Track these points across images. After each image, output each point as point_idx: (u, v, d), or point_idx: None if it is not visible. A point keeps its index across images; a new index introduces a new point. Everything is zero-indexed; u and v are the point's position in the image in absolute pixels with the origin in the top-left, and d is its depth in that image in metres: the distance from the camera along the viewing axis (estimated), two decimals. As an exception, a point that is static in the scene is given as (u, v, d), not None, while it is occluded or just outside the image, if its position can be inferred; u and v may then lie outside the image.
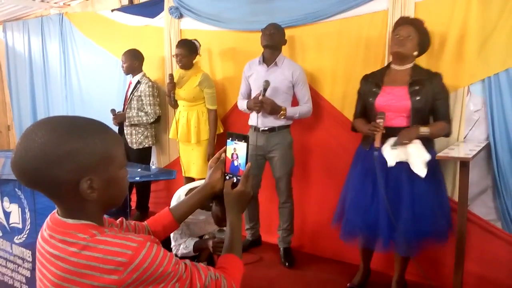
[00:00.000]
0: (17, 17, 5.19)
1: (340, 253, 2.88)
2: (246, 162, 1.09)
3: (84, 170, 0.80)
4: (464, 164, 2.07)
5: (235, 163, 1.11)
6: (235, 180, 1.10)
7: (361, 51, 2.74)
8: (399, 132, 2.19)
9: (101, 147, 0.83)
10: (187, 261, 0.92)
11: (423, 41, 2.29)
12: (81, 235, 0.81)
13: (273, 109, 2.71)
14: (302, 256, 3.02)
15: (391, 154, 2.19)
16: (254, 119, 2.82)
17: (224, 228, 1.90)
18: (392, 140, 2.20)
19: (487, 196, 2.42)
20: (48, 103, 5.01)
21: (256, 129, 2.84)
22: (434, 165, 2.21)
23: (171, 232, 1.20)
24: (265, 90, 2.68)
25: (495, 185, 2.35)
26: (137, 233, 1.10)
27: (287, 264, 2.90)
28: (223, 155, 1.14)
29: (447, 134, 2.30)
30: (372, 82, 2.36)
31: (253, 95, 2.87)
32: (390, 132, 2.22)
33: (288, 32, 2.95)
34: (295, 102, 2.88)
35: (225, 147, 1.13)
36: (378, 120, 2.19)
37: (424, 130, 2.19)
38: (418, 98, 2.21)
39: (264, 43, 2.78)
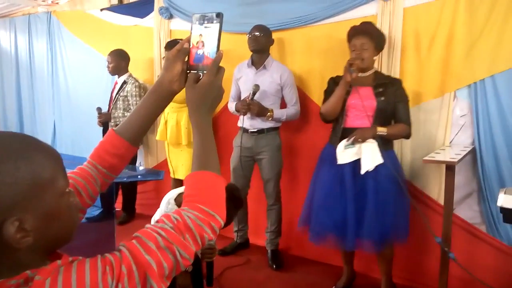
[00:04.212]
0: (4, 15, 5.11)
1: (327, 255, 2.88)
2: (218, 49, 0.82)
3: (6, 209, 0.58)
4: (450, 168, 2.10)
5: (200, 52, 0.84)
6: (201, 76, 0.82)
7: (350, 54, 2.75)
8: (355, 131, 2.25)
9: (27, 173, 0.60)
10: (121, 244, 0.66)
11: (379, 42, 2.37)
12: None
13: (260, 111, 2.73)
14: (289, 258, 3.02)
15: (343, 152, 2.27)
16: (243, 120, 2.84)
17: None
18: (350, 140, 2.27)
19: (472, 200, 2.45)
20: (34, 101, 4.94)
21: (244, 130, 2.86)
22: (396, 167, 2.30)
23: (131, 157, 0.91)
24: (254, 93, 2.70)
25: (480, 189, 2.38)
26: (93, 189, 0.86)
27: (274, 266, 2.89)
28: (186, 44, 0.85)
29: (407, 136, 2.35)
30: None
31: (242, 98, 2.88)
32: (353, 132, 2.28)
33: (277, 35, 2.96)
34: (283, 105, 2.89)
35: (189, 35, 0.85)
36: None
37: (381, 130, 2.25)
38: (382, 98, 2.28)
39: (250, 47, 2.80)
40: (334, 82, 2.43)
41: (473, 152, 2.37)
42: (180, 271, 0.68)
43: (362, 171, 2.23)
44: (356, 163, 2.25)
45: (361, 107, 2.29)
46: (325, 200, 2.37)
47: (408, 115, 2.34)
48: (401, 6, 2.53)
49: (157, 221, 0.70)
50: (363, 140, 2.24)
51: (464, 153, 2.20)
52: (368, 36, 2.32)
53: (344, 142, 2.29)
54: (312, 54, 2.93)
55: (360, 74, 2.35)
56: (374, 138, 2.24)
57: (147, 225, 0.70)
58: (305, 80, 2.98)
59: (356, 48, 2.32)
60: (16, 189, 0.59)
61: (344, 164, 2.29)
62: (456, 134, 2.46)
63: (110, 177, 0.89)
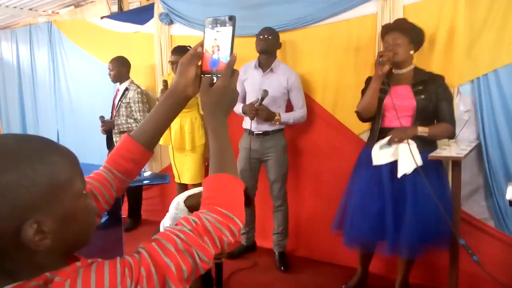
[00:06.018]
0: (5, 26, 5.14)
1: (334, 257, 2.87)
2: (231, 52, 0.82)
3: (24, 211, 0.58)
4: (457, 163, 2.09)
5: (214, 57, 0.84)
6: (215, 80, 0.82)
7: (351, 54, 2.76)
8: (392, 130, 2.17)
9: (44, 174, 0.60)
10: (141, 246, 0.66)
11: (414, 37, 2.27)
12: None
13: (268, 116, 2.73)
14: (297, 260, 3.01)
15: (379, 153, 2.18)
16: (248, 122, 2.83)
17: None
18: (385, 139, 2.20)
19: (479, 195, 2.44)
20: (36, 111, 4.95)
21: (250, 132, 2.85)
22: (438, 169, 2.20)
23: (146, 162, 0.93)
24: (262, 99, 2.68)
25: (486, 184, 2.37)
26: (109, 192, 0.87)
27: (282, 268, 2.88)
28: (199, 49, 0.86)
29: (451, 136, 2.26)
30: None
31: (248, 99, 2.88)
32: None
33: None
34: (289, 107, 2.89)
35: (202, 39, 0.86)
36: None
37: (422, 130, 2.15)
38: (422, 96, 2.19)
39: (259, 48, 2.79)
40: (370, 80, 2.34)
41: (478, 147, 2.36)
42: (199, 275, 0.68)
43: (399, 174, 2.11)
44: (395, 165, 2.15)
45: (400, 107, 2.16)
46: (362, 204, 2.26)
47: (452, 114, 2.23)
48: (401, 4, 2.53)
49: (176, 224, 0.70)
50: (400, 141, 2.12)
51: (470, 148, 2.19)
52: (400, 31, 2.23)
53: (381, 142, 2.19)
54: (314, 55, 2.93)
55: (396, 71, 2.28)
56: (413, 138, 2.12)
57: (166, 228, 0.69)
58: (307, 81, 2.97)
59: (388, 44, 2.24)
60: (33, 191, 0.59)
61: (381, 166, 2.18)
62: (461, 130, 2.45)
63: (126, 182, 0.90)
